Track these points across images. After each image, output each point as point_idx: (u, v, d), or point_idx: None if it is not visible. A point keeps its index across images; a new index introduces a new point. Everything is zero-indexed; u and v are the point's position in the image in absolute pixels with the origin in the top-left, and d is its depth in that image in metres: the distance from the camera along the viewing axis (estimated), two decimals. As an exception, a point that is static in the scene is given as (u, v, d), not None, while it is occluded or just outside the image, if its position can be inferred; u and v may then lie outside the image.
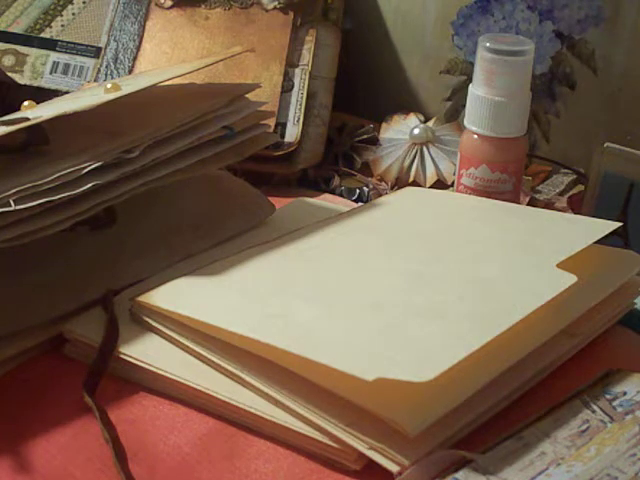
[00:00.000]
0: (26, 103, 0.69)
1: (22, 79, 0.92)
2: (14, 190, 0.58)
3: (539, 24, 0.87)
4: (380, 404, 0.52)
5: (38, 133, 0.64)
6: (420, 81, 0.95)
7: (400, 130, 0.89)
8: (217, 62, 0.81)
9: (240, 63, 0.88)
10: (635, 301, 0.67)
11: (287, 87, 0.88)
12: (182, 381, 0.58)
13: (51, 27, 0.94)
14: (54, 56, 0.93)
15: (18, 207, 0.58)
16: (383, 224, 0.71)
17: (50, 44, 0.93)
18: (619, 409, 0.56)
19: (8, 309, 0.62)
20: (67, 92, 0.89)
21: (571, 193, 0.85)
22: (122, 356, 0.60)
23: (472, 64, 0.76)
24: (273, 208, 0.77)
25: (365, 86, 0.98)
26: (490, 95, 0.72)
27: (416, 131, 0.87)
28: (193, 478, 0.54)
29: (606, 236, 0.65)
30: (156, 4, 0.92)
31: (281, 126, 0.86)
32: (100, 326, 0.62)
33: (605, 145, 0.75)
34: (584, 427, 0.55)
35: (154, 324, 0.62)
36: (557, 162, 0.88)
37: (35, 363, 0.62)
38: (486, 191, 0.74)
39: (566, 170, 0.88)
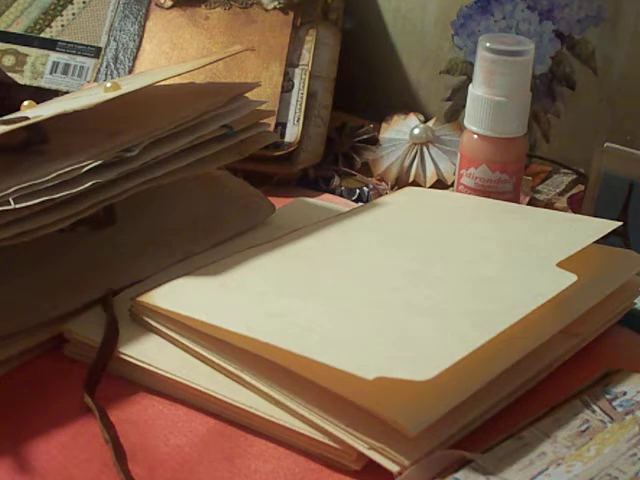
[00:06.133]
0: (26, 103, 0.69)
1: (22, 79, 0.92)
2: (14, 189, 0.58)
3: (539, 24, 0.87)
4: (380, 404, 0.52)
5: (38, 132, 0.64)
6: (420, 81, 0.95)
7: (400, 130, 0.89)
8: (217, 61, 0.81)
9: (240, 63, 0.88)
10: (635, 301, 0.67)
11: (287, 87, 0.88)
12: (182, 381, 0.58)
13: (51, 27, 0.94)
14: (54, 56, 0.93)
15: (18, 206, 0.58)
16: (383, 224, 0.71)
17: (50, 44, 0.93)
18: (619, 409, 0.56)
19: (8, 309, 0.62)
20: (67, 92, 0.89)
21: (571, 193, 0.85)
22: (122, 356, 0.60)
23: (472, 64, 0.76)
24: (273, 208, 0.77)
25: (365, 86, 0.98)
26: (490, 95, 0.72)
27: (416, 131, 0.87)
28: (193, 478, 0.54)
29: (606, 236, 0.65)
30: (156, 4, 0.92)
31: (281, 126, 0.86)
32: (100, 326, 0.62)
33: (605, 145, 0.75)
34: (584, 427, 0.55)
35: (154, 324, 0.62)
36: (557, 162, 0.88)
37: (35, 363, 0.62)
38: (486, 191, 0.74)
39: (566, 170, 0.88)
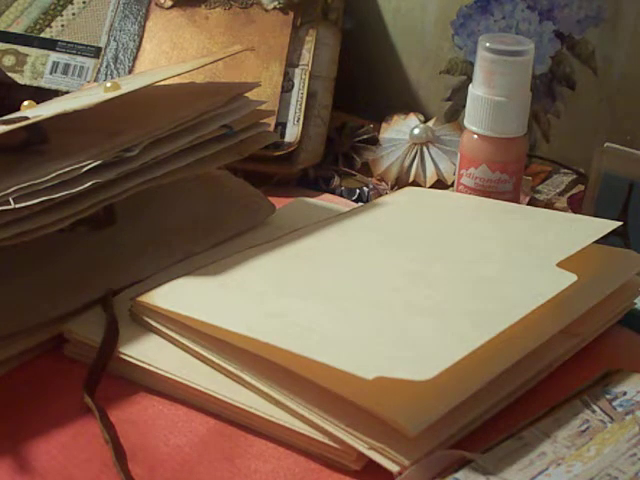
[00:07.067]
0: (26, 103, 0.69)
1: (22, 79, 0.92)
2: (14, 188, 0.58)
3: (539, 24, 0.87)
4: (380, 404, 0.52)
5: (38, 132, 0.64)
6: (420, 81, 0.95)
7: (400, 130, 0.89)
8: (217, 61, 0.81)
9: (240, 63, 0.88)
10: (635, 301, 0.67)
11: (287, 87, 0.88)
12: (182, 381, 0.58)
13: (51, 27, 0.94)
14: (54, 56, 0.93)
15: (18, 206, 0.58)
16: (383, 224, 0.71)
17: (50, 44, 0.93)
18: (619, 409, 0.56)
19: (8, 309, 0.62)
20: (67, 92, 0.89)
21: (571, 193, 0.85)
22: (122, 356, 0.60)
23: (472, 64, 0.76)
24: (273, 208, 0.77)
25: (365, 86, 0.98)
26: (490, 95, 0.72)
27: (416, 131, 0.87)
28: (193, 478, 0.54)
29: (606, 236, 0.65)
30: (156, 4, 0.92)
31: (281, 126, 0.86)
32: (100, 326, 0.62)
33: (605, 145, 0.75)
34: (584, 427, 0.55)
35: (154, 324, 0.62)
36: (557, 162, 0.88)
37: (35, 363, 0.62)
38: (486, 191, 0.74)
39: (566, 170, 0.88)
